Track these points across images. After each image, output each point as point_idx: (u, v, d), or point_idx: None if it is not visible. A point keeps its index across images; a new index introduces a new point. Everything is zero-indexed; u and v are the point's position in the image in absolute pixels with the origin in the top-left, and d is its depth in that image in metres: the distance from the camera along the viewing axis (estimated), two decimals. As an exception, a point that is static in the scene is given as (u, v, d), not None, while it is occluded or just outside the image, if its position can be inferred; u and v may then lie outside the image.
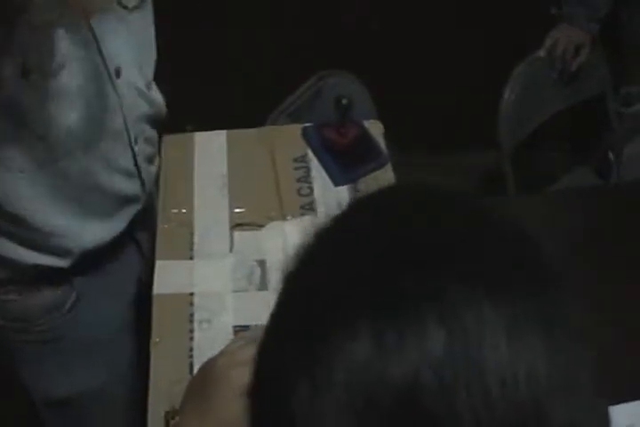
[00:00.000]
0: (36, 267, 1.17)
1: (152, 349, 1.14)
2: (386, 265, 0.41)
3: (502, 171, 1.96)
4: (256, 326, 1.10)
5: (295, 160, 1.39)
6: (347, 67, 1.86)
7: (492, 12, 2.26)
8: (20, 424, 1.66)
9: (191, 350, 1.14)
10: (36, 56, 0.99)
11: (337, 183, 1.36)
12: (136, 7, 1.14)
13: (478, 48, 2.30)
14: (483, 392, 0.37)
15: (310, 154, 1.40)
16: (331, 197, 1.33)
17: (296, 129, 1.45)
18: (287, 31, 2.27)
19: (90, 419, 1.38)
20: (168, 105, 1.30)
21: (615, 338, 1.24)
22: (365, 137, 1.39)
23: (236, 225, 1.29)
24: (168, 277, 1.22)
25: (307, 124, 1.45)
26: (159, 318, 1.18)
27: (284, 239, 1.25)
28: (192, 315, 1.18)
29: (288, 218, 1.30)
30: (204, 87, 1.31)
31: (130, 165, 1.20)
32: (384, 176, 1.36)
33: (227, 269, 1.24)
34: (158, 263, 1.24)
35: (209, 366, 0.83)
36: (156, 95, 1.27)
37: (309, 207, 1.31)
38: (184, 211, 1.31)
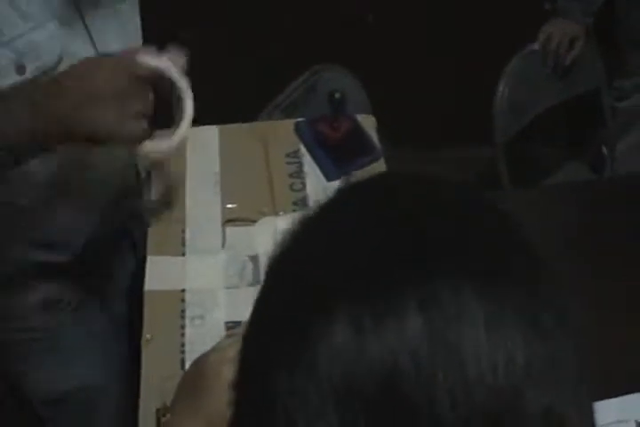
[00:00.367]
0: (35, 263, 1.17)
1: (143, 345, 1.14)
2: (369, 252, 0.41)
3: (496, 166, 1.96)
4: (248, 322, 1.10)
5: (288, 155, 1.39)
6: (341, 61, 1.85)
7: (488, 7, 2.26)
8: (18, 423, 1.65)
9: (183, 345, 1.13)
10: (34, 54, 0.98)
11: (330, 178, 1.35)
12: None
13: (474, 42, 2.30)
14: (460, 378, 0.37)
15: (303, 149, 1.39)
16: (323, 192, 1.32)
17: (289, 124, 1.44)
18: (282, 26, 2.26)
19: (88, 416, 1.38)
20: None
21: (611, 334, 1.24)
22: (358, 131, 1.39)
23: (228, 221, 1.29)
24: (160, 274, 1.22)
25: (299, 119, 1.44)
26: (151, 314, 1.17)
27: (276, 235, 1.24)
28: (183, 311, 1.17)
29: (280, 213, 1.29)
30: (195, 82, 1.30)
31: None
32: (377, 171, 1.35)
33: (219, 266, 1.23)
34: (150, 259, 1.24)
35: (201, 362, 0.82)
36: None
37: (302, 203, 1.31)
38: (176, 206, 1.30)
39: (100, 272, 1.29)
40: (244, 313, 1.14)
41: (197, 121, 1.27)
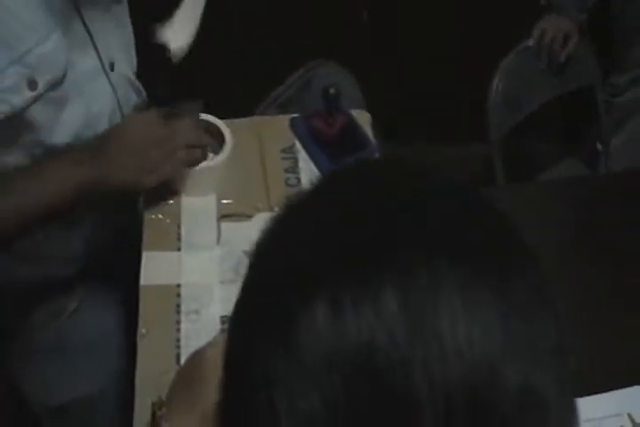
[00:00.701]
0: (42, 278, 1.17)
1: (139, 340, 1.14)
2: (349, 236, 0.42)
3: (491, 162, 1.97)
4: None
5: (283, 151, 1.39)
6: (336, 58, 1.85)
7: (482, 5, 2.26)
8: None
9: (178, 340, 1.14)
10: (43, 68, 0.96)
11: (324, 173, 1.35)
12: None
13: (469, 38, 2.30)
14: (437, 354, 0.38)
15: (298, 144, 1.39)
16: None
17: (284, 120, 1.44)
18: (277, 22, 2.26)
19: (91, 423, 1.37)
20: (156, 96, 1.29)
21: (606, 327, 1.24)
22: (353, 127, 1.39)
23: (224, 216, 1.29)
24: (155, 269, 1.22)
25: (294, 115, 1.44)
26: (146, 309, 1.17)
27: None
28: (179, 306, 1.17)
29: (276, 209, 1.29)
30: (190, 78, 1.31)
31: None
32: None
33: (214, 261, 1.23)
34: (145, 255, 1.24)
35: (196, 356, 0.83)
36: (138, 82, 1.27)
37: (297, 198, 1.31)
38: (171, 202, 1.30)
39: (102, 280, 1.29)
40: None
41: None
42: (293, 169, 1.36)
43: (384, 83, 2.12)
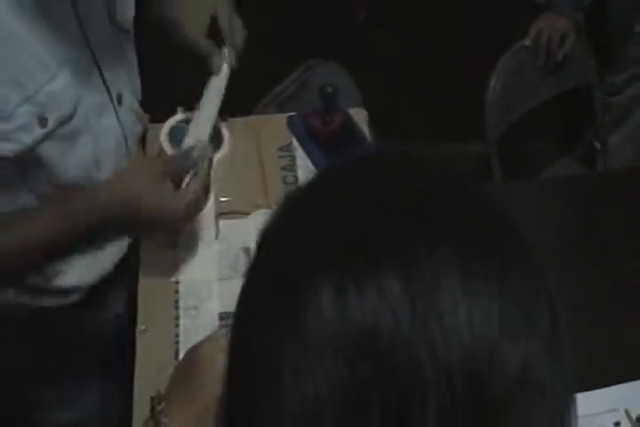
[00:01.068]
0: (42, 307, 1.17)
1: (138, 336, 1.14)
2: (351, 223, 0.43)
3: (488, 161, 1.97)
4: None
5: (280, 149, 1.40)
6: (334, 57, 1.86)
7: (479, 4, 2.26)
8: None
9: (177, 336, 1.14)
10: (53, 105, 0.95)
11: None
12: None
13: (466, 38, 2.30)
14: (440, 336, 0.39)
15: (295, 143, 1.40)
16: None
17: (281, 118, 1.45)
18: (275, 21, 2.26)
19: None
20: (155, 94, 1.29)
21: (604, 324, 1.25)
22: (350, 125, 1.40)
23: (222, 213, 1.30)
24: (154, 266, 1.22)
25: (292, 114, 1.45)
26: (145, 305, 1.18)
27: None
28: (178, 302, 1.18)
29: (274, 206, 1.29)
30: (190, 77, 1.31)
31: None
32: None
33: (213, 257, 1.24)
34: (144, 252, 1.24)
35: (195, 351, 0.83)
36: (140, 109, 1.25)
37: (295, 195, 1.31)
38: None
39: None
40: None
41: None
42: (291, 167, 1.37)
43: (381, 82, 2.12)
